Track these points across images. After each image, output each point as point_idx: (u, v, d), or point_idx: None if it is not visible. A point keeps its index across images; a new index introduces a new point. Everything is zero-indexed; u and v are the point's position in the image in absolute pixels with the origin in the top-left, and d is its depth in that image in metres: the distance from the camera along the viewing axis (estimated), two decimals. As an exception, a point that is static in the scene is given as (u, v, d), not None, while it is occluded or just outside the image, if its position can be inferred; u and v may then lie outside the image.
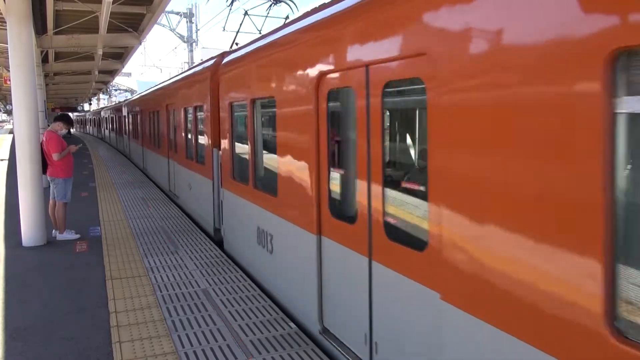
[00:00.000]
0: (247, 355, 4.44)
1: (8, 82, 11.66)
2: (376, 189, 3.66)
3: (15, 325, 5.22)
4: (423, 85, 3.09)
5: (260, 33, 9.05)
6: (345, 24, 3.99)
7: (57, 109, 38.81)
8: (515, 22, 2.36)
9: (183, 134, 10.80)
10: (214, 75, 8.21)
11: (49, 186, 8.70)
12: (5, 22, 8.28)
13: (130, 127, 21.63)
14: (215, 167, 8.35)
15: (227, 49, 8.58)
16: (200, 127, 9.39)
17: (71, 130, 10.53)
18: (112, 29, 14.71)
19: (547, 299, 2.24)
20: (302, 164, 4.72)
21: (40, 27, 14.06)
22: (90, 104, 62.48)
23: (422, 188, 3.27)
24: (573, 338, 2.10)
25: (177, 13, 29.60)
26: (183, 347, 4.60)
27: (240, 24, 9.69)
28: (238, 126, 7.19)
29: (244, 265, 7.03)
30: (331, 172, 4.39)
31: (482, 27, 2.58)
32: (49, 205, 8.63)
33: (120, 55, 21.77)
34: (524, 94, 2.33)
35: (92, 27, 14.40)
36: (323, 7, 4.64)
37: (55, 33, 14.87)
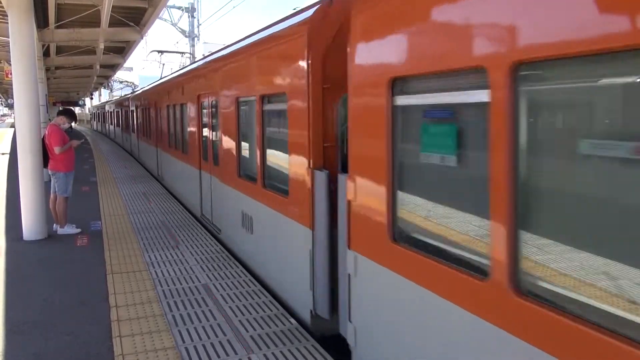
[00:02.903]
0: (247, 351, 4.44)
1: (9, 76, 11.63)
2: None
3: (16, 319, 5.23)
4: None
5: None
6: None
7: (58, 103, 38.76)
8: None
9: None
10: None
11: (50, 180, 8.70)
12: (7, 16, 8.26)
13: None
14: None
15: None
16: None
17: (73, 124, 10.52)
18: (113, 23, 14.65)
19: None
20: None
21: (41, 20, 14.01)
22: (91, 98, 62.17)
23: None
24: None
25: (179, 8, 29.54)
26: (183, 342, 4.61)
27: None
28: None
29: None
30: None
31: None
32: (50, 199, 8.64)
33: (121, 50, 21.69)
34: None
35: (93, 21, 14.34)
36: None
37: (57, 27, 14.80)
